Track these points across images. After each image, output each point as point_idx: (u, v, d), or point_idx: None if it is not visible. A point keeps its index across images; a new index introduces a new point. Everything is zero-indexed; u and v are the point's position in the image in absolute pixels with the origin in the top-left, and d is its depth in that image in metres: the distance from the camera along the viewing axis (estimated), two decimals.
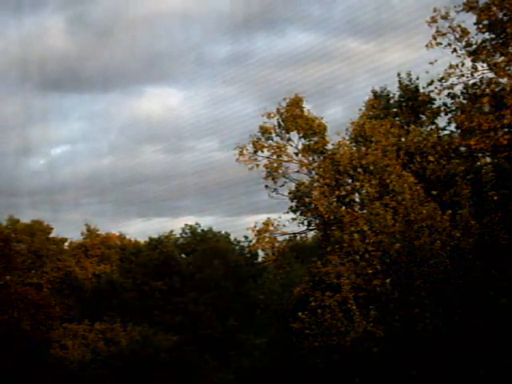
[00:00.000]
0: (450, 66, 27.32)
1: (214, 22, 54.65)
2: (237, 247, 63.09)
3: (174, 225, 60.35)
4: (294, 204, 33.67)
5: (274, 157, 33.84)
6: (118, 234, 65.73)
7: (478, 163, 28.26)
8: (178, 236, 64.41)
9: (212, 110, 54.90)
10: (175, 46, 61.86)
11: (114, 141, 68.46)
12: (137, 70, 63.50)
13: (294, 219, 33.62)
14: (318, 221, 32.78)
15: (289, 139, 34.29)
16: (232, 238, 63.73)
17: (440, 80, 28.25)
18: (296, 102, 34.21)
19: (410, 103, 33.38)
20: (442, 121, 31.81)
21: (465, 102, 28.43)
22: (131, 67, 64.46)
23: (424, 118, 32.90)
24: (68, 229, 61.03)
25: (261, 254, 52.62)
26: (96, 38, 62.88)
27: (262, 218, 33.71)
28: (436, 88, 29.01)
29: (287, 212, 33.72)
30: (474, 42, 27.06)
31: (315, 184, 31.86)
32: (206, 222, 60.41)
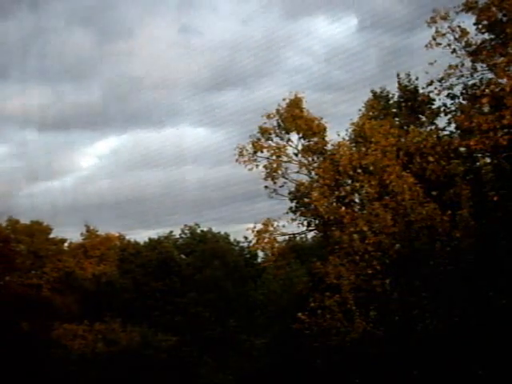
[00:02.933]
0: (450, 67, 27.28)
1: (189, 83, 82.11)
2: (236, 248, 63.03)
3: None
4: (293, 205, 33.66)
5: (274, 157, 33.80)
6: (117, 234, 65.74)
7: (478, 163, 28.23)
8: (178, 237, 64.39)
9: (191, 143, 73.96)
10: (159, 101, 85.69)
11: (112, 168, 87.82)
12: (130, 115, 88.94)
13: (293, 220, 33.58)
14: (317, 221, 32.76)
15: (288, 140, 34.26)
16: (231, 238, 63.77)
17: (440, 80, 28.21)
18: (296, 103, 34.15)
19: (409, 104, 33.34)
20: (441, 121, 31.75)
21: (464, 102, 28.39)
22: (126, 113, 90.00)
23: (424, 118, 32.86)
24: (67, 235, 64.75)
25: (260, 254, 52.85)
26: (102, 94, 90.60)
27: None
28: (435, 88, 28.95)
29: (287, 212, 33.70)
30: (473, 42, 27.00)
31: (315, 184, 31.83)
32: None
